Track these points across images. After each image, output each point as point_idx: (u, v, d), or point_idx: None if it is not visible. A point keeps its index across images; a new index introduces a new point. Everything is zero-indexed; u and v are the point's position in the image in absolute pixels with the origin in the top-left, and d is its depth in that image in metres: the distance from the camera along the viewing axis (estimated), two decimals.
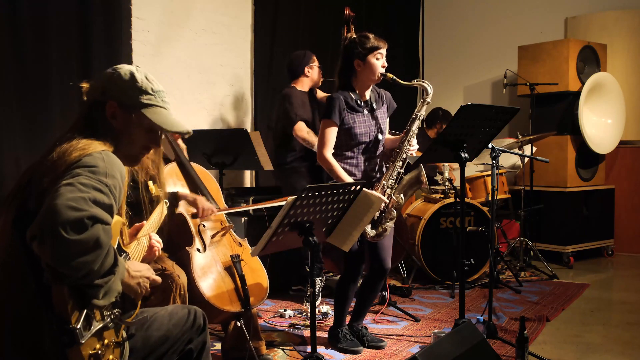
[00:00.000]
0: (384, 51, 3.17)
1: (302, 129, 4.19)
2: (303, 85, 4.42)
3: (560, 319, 3.86)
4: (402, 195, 3.21)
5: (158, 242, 2.04)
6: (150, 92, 1.80)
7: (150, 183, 1.99)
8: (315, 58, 4.45)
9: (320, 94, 4.57)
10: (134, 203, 2.03)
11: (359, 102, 3.19)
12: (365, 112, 3.20)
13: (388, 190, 3.16)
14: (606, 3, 6.07)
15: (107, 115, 1.77)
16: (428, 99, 3.20)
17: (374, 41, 3.15)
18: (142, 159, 1.88)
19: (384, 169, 3.22)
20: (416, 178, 3.30)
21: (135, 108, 1.78)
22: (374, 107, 3.24)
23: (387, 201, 3.12)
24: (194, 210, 2.95)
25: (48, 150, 1.69)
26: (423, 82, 3.22)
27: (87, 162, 1.59)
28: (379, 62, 3.15)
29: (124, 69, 1.82)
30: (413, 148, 3.18)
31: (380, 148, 3.26)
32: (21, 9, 3.67)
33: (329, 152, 3.14)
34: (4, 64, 3.62)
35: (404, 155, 3.16)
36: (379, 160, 3.27)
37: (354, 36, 3.22)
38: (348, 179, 3.10)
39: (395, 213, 3.20)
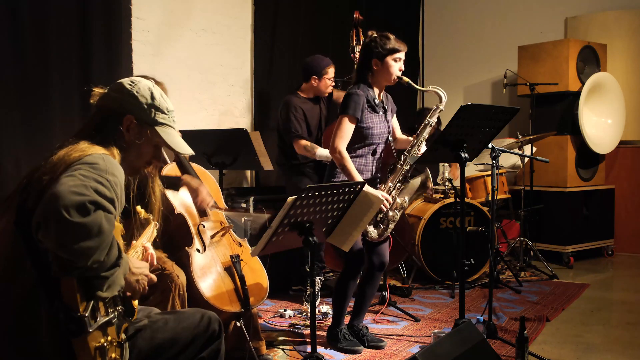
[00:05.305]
0: (402, 55, 3.16)
1: (299, 146, 4.19)
2: (308, 92, 4.40)
3: (560, 319, 3.86)
4: (406, 198, 3.20)
5: (152, 255, 2.02)
6: (165, 111, 1.89)
7: (138, 208, 2.01)
8: (330, 70, 4.34)
9: (337, 94, 4.53)
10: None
11: (376, 101, 3.19)
12: (381, 113, 3.21)
13: (393, 192, 3.17)
14: (606, 3, 6.07)
15: (121, 128, 1.83)
16: (441, 107, 3.21)
17: (394, 43, 3.14)
18: (142, 171, 1.95)
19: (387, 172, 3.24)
20: (422, 183, 3.30)
21: (150, 125, 1.86)
22: (386, 109, 3.25)
23: (389, 198, 3.12)
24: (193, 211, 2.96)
25: (50, 153, 1.73)
26: (438, 89, 3.20)
27: (87, 160, 1.64)
28: (396, 64, 3.15)
29: (143, 84, 1.88)
30: (421, 152, 3.21)
31: (384, 151, 3.27)
32: (21, 9, 3.67)
33: (343, 145, 3.11)
34: (4, 64, 3.61)
35: (412, 160, 3.18)
36: (381, 162, 3.28)
37: (375, 35, 3.21)
38: (358, 177, 3.09)
39: (398, 216, 3.20)
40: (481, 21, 6.90)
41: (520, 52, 5.90)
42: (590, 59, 5.69)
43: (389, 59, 3.13)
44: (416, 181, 3.28)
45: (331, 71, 4.35)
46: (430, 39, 7.34)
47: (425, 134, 3.21)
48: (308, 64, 4.38)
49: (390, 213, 3.17)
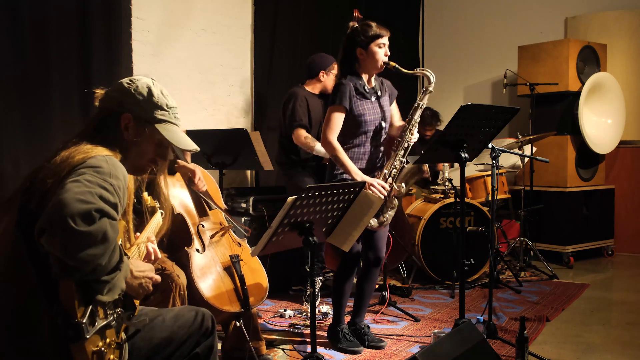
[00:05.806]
0: (386, 40, 3.17)
1: (299, 135, 4.17)
2: (314, 87, 4.40)
3: (560, 319, 3.86)
4: (403, 184, 3.21)
5: (154, 249, 2.02)
6: (165, 107, 1.86)
7: (145, 194, 1.99)
8: (335, 66, 4.32)
9: None
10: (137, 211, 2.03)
11: (366, 88, 3.18)
12: (373, 99, 3.20)
13: (390, 179, 3.17)
14: (606, 3, 6.07)
15: (120, 127, 1.81)
16: (430, 88, 3.21)
17: (376, 29, 3.14)
18: (148, 170, 1.92)
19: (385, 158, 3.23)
20: (417, 167, 3.30)
21: (149, 122, 1.84)
22: (379, 94, 3.24)
23: (387, 186, 3.12)
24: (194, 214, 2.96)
25: (52, 154, 1.72)
26: (425, 70, 3.22)
27: (91, 163, 1.63)
28: (381, 50, 3.15)
29: (142, 82, 1.86)
30: (414, 137, 3.19)
31: (384, 136, 3.26)
32: (21, 9, 3.67)
33: (334, 136, 3.11)
34: (4, 64, 3.62)
35: (406, 145, 3.17)
36: (382, 148, 3.27)
37: (356, 25, 3.21)
38: (352, 165, 3.09)
39: (396, 202, 3.20)
40: (481, 21, 6.90)
41: (520, 52, 5.90)
42: (590, 59, 5.69)
43: (373, 46, 3.13)
44: (411, 166, 3.28)
45: (335, 66, 4.37)
46: (430, 39, 7.34)
47: (417, 117, 3.20)
48: (315, 61, 4.40)
49: (388, 199, 3.17)
